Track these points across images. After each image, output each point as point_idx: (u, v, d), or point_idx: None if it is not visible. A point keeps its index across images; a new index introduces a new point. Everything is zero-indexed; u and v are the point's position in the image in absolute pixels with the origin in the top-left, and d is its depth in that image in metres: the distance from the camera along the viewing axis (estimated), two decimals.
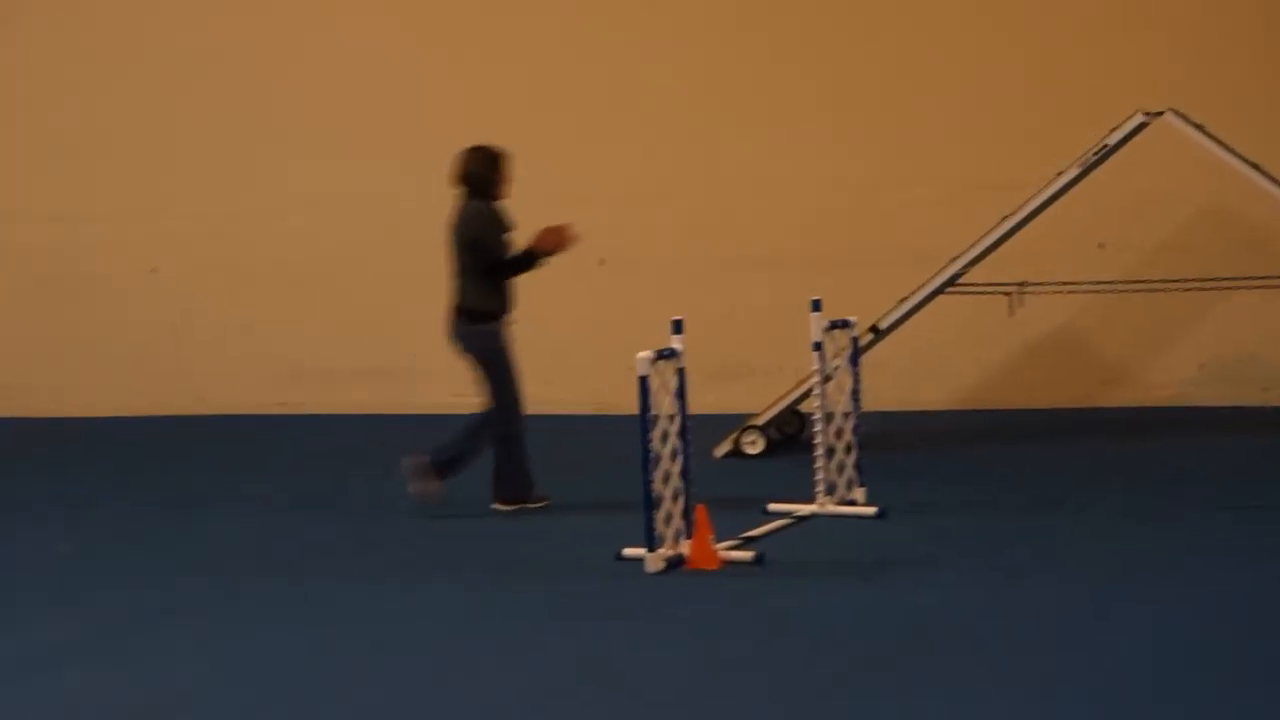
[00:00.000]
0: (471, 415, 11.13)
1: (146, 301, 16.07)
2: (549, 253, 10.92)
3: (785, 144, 14.90)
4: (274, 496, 12.12)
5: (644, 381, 9.19)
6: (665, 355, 9.37)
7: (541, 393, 15.11)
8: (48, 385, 16.13)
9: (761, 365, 14.29)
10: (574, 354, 14.95)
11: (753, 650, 7.84)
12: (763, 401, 12.97)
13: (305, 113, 15.72)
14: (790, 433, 13.01)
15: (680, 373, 9.46)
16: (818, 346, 10.62)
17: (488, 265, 10.88)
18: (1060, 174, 12.50)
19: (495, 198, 11.02)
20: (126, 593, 9.37)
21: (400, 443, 13.39)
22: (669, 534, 9.32)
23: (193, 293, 16.00)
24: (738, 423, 12.86)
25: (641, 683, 7.41)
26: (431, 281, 15.17)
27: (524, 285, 15.06)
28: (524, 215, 14.53)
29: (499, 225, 10.97)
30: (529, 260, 10.94)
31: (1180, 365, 14.43)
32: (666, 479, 9.33)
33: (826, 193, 14.79)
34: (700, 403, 13.89)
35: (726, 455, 12.76)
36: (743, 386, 14.20)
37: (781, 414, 12.87)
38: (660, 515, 9.26)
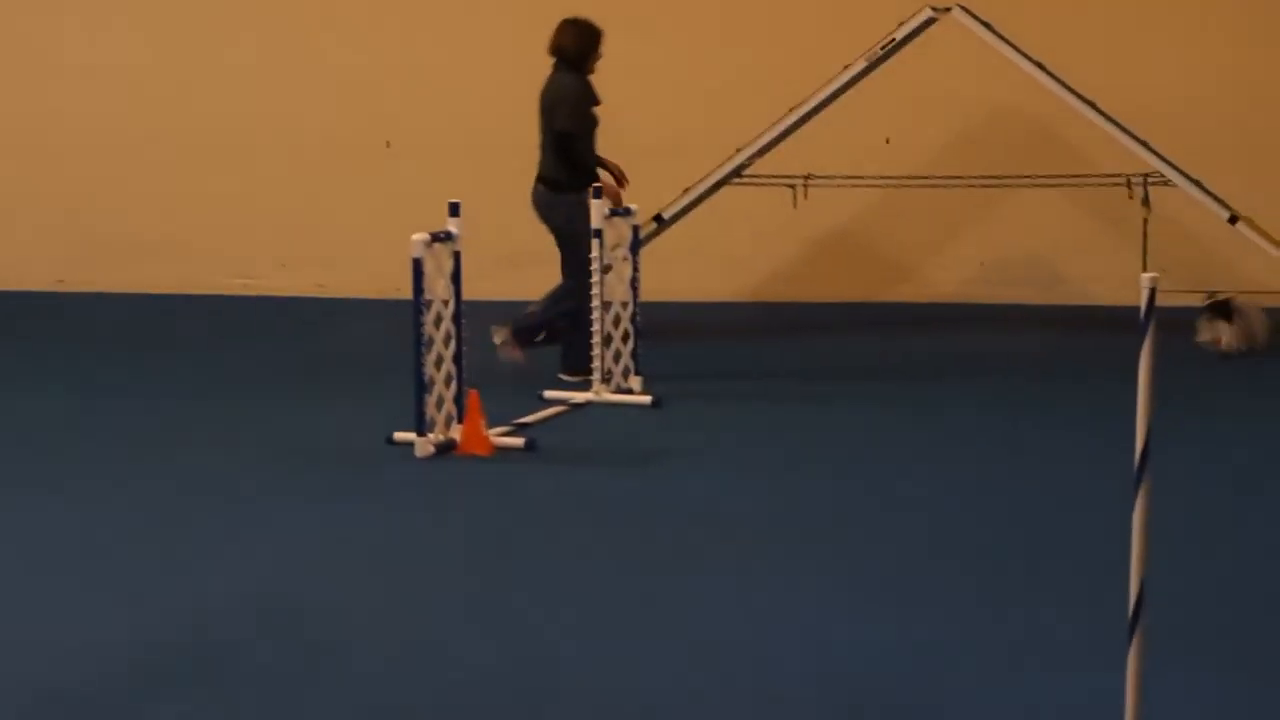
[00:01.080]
0: (556, 286, 11.17)
1: None
2: (604, 194, 10.75)
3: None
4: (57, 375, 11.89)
5: (417, 264, 9.08)
6: (440, 238, 9.25)
7: (324, 275, 15.09)
8: None
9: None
10: (360, 237, 14.76)
11: (513, 535, 7.80)
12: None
13: None
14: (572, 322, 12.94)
15: (456, 256, 9.35)
16: (597, 234, 10.55)
17: (559, 137, 10.94)
18: (847, 67, 12.50)
19: (586, 72, 11.07)
20: None
21: (187, 322, 13.25)
22: (440, 419, 9.24)
23: None
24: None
25: (395, 565, 7.34)
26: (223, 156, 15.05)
27: (311, 167, 15.01)
28: (315, 93, 14.32)
29: (583, 99, 11.04)
30: (589, 177, 10.92)
31: (962, 263, 14.55)
32: (439, 363, 9.23)
33: (619, 81, 14.66)
34: (492, 289, 13.93)
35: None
36: (534, 272, 14.06)
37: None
38: (432, 400, 9.17)
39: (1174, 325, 11.95)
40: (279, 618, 6.64)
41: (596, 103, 11.16)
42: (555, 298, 11.23)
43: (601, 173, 11.13)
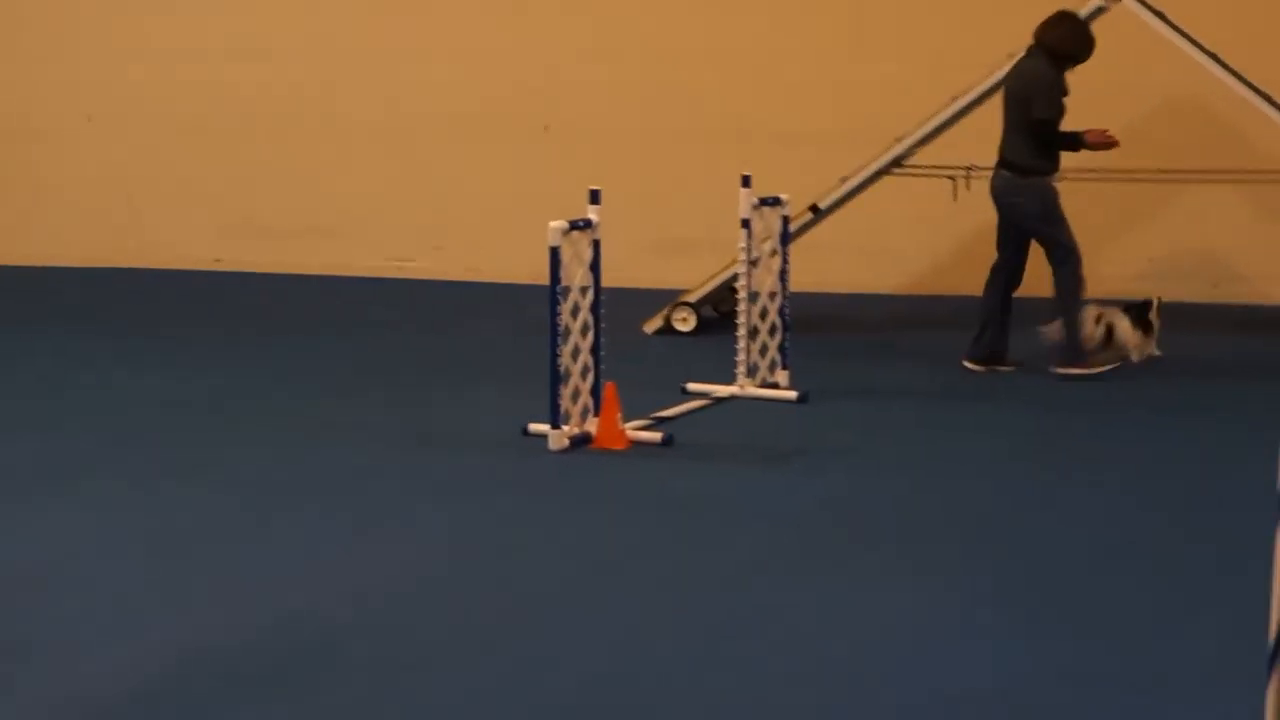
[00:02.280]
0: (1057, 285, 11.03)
1: (86, 151, 15.77)
2: (1095, 147, 10.97)
3: (736, 24, 14.54)
4: (204, 354, 11.87)
5: (554, 252, 8.87)
6: (579, 226, 9.04)
7: (477, 260, 14.98)
8: None
9: (708, 240, 13.92)
10: (513, 221, 14.60)
11: (642, 532, 7.59)
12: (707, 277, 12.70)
13: None
14: (726, 311, 12.67)
15: (595, 244, 9.13)
16: (745, 224, 10.29)
17: (1038, 125, 10.88)
18: (1011, 55, 12.10)
19: (1064, 69, 11.00)
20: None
21: (336, 304, 13.24)
22: (575, 411, 9.04)
23: (133, 143, 15.69)
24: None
25: (527, 561, 7.18)
26: (380, 140, 15.01)
27: (468, 150, 14.92)
28: (472, 78, 14.26)
29: (1057, 88, 10.99)
30: (1075, 142, 10.98)
31: (1131, 259, 14.10)
32: (576, 355, 9.03)
33: (775, 69, 14.44)
34: (642, 277, 13.76)
35: (657, 331, 12.47)
36: (689, 262, 13.86)
37: (717, 291, 12.56)
38: (567, 391, 8.98)
39: None
40: (397, 612, 6.48)
41: (1066, 93, 11.07)
42: (1066, 293, 11.03)
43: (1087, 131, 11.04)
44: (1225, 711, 5.48)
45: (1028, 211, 10.96)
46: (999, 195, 11.02)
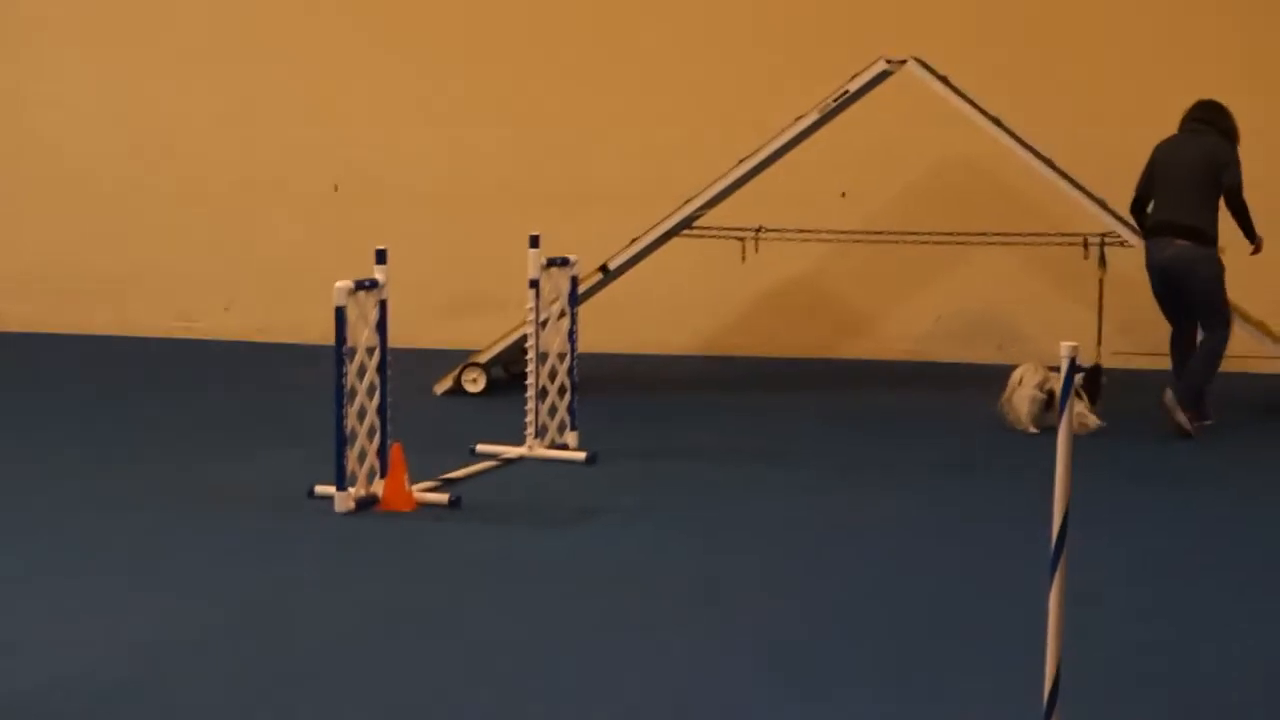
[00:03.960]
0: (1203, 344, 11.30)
1: None
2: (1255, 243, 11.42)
3: (528, 81, 14.58)
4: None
5: (340, 312, 8.78)
6: (365, 286, 8.96)
7: (266, 320, 14.82)
8: None
9: (499, 300, 13.87)
10: (303, 281, 14.45)
11: (428, 593, 7.51)
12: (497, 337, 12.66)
13: None
14: (517, 371, 12.64)
15: (382, 305, 9.05)
16: (534, 284, 10.27)
17: (1237, 192, 11.17)
18: (800, 118, 12.25)
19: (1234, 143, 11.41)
20: None
21: (120, 365, 13.02)
22: (362, 473, 8.95)
23: None
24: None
25: (305, 623, 7.06)
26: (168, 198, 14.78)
27: (257, 209, 14.77)
28: (263, 137, 14.13)
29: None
30: (1249, 222, 11.32)
31: (917, 319, 14.31)
32: (362, 415, 8.94)
33: (565, 130, 14.50)
34: (431, 337, 13.70)
35: (447, 392, 12.41)
36: (480, 322, 13.81)
37: (508, 351, 12.52)
38: (353, 453, 8.88)
39: (1126, 385, 11.79)
40: (169, 677, 6.34)
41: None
42: (1214, 357, 11.21)
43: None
44: None
45: (1205, 276, 11.21)
46: (1176, 263, 11.22)
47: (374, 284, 9.02)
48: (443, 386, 12.45)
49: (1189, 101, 11.66)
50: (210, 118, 14.95)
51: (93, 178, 15.08)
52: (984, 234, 13.18)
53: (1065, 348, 4.66)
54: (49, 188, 15.17)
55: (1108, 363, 12.12)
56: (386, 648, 6.77)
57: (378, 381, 9.03)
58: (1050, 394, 11.21)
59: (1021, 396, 11.31)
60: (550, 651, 6.74)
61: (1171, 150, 11.44)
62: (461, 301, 14.44)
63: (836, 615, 7.29)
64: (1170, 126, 11.60)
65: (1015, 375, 11.39)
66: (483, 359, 12.47)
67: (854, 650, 6.80)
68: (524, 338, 11.10)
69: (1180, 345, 11.52)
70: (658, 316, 14.26)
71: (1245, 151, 11.40)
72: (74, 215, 15.14)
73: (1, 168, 15.26)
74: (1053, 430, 10.35)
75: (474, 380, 12.42)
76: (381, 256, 9.09)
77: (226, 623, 7.08)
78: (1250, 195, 11.24)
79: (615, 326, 13.49)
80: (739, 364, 13.99)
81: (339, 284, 8.82)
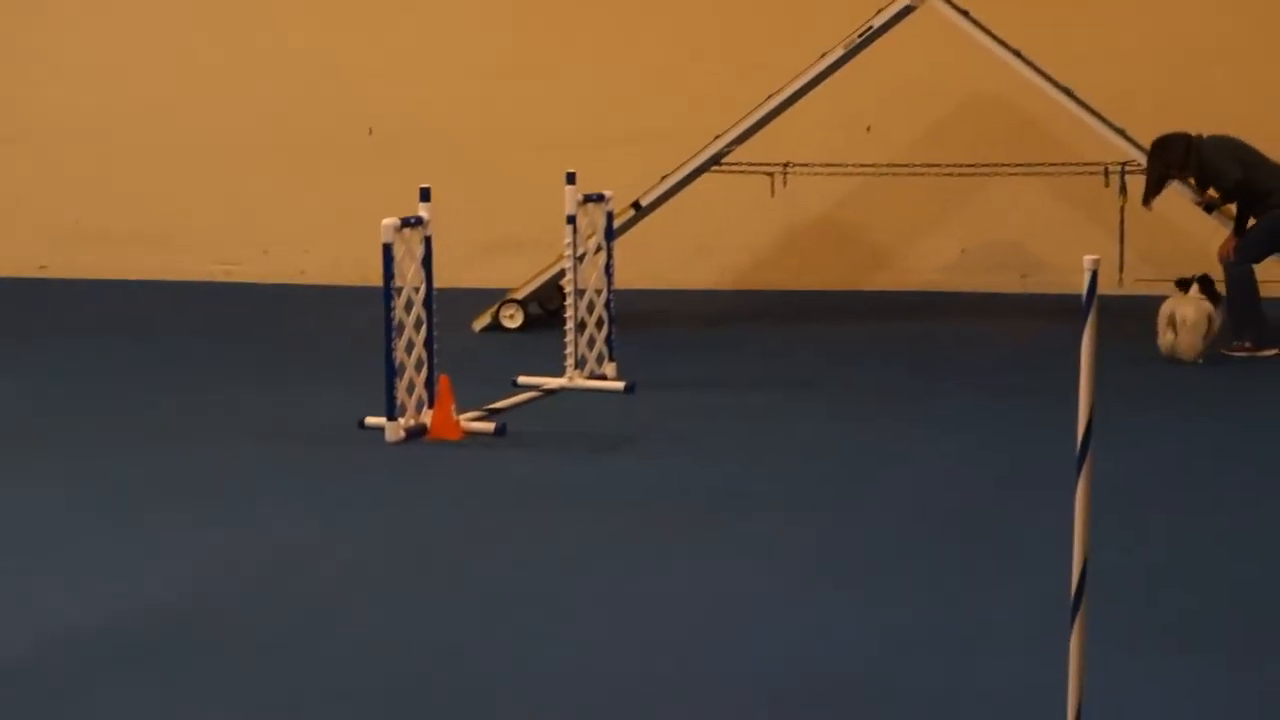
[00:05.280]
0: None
1: None
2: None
3: (556, 27, 14.84)
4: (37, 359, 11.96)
5: (387, 249, 9.09)
6: (410, 223, 9.27)
7: (306, 263, 15.13)
8: None
9: (532, 239, 14.17)
10: (341, 223, 14.77)
11: (482, 517, 7.83)
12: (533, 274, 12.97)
13: None
14: (553, 308, 12.96)
15: (427, 241, 9.36)
16: (571, 220, 10.57)
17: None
18: (824, 55, 12.51)
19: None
20: None
21: (165, 309, 13.32)
22: (411, 404, 9.27)
23: None
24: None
25: (370, 546, 7.37)
26: (205, 147, 15.06)
27: (287, 154, 15.06)
28: (297, 86, 14.41)
29: None
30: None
31: (942, 250, 14.59)
32: (410, 349, 9.26)
33: (597, 73, 14.75)
34: (473, 277, 13.99)
35: (485, 329, 12.72)
36: (515, 261, 14.11)
37: (544, 288, 12.83)
38: (402, 385, 9.20)
39: (1146, 312, 12.03)
40: (245, 596, 6.66)
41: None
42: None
43: None
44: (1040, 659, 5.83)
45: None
46: None
47: (419, 221, 9.31)
48: (480, 323, 12.75)
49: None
50: (240, 65, 15.22)
51: (127, 133, 15.37)
52: (1006, 165, 13.45)
53: (1088, 260, 4.94)
54: (85, 144, 15.46)
55: (1130, 290, 12.36)
56: (447, 567, 7.10)
57: (424, 316, 9.34)
58: (1209, 319, 11.29)
59: (1191, 331, 11.23)
60: (600, 569, 7.06)
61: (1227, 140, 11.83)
62: (494, 243, 14.72)
63: (878, 525, 7.61)
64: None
65: (1166, 312, 11.30)
66: (519, 295, 12.77)
67: (893, 556, 7.12)
68: (560, 273, 11.42)
69: None
70: (688, 251, 14.54)
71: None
72: (121, 169, 15.44)
73: (48, 128, 15.55)
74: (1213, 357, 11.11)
75: (511, 316, 12.73)
76: (426, 194, 9.37)
77: (295, 545, 7.40)
78: None
79: (647, 261, 13.78)
80: (768, 297, 14.28)
81: (385, 221, 9.11)
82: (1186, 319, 11.18)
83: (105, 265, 15.42)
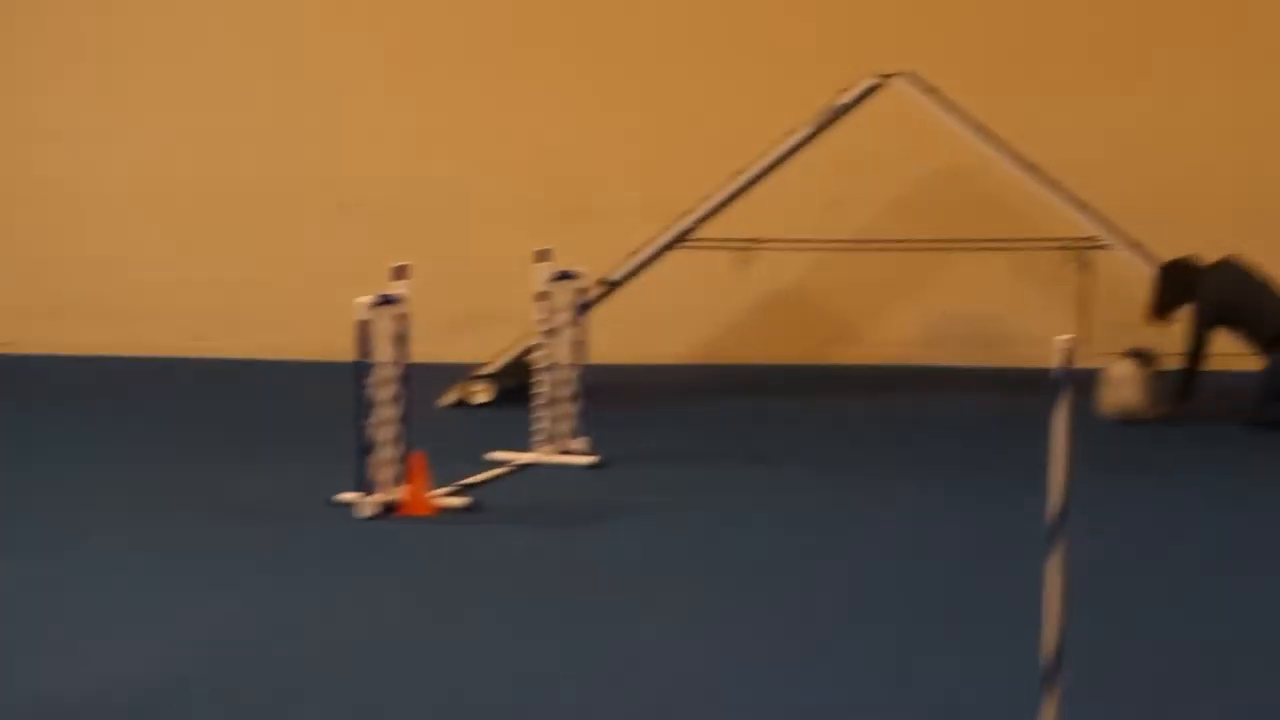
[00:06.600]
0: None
1: None
2: None
3: (529, 99, 14.94)
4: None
5: (362, 326, 9.15)
6: (385, 301, 9.33)
7: (275, 338, 15.16)
8: None
9: (503, 315, 14.21)
10: (311, 299, 14.82)
11: (457, 593, 7.86)
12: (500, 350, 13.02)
13: None
14: (517, 385, 12.96)
15: (401, 319, 9.42)
16: (542, 297, 10.65)
17: None
18: (792, 132, 12.65)
19: None
20: None
21: (133, 384, 13.27)
22: (384, 480, 9.30)
23: None
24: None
25: (344, 619, 7.38)
26: (177, 218, 15.10)
27: (260, 228, 15.13)
28: (266, 158, 14.46)
29: None
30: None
31: (907, 324, 14.71)
32: (383, 425, 9.29)
33: (564, 147, 14.86)
34: (439, 352, 14.02)
35: (453, 405, 12.76)
36: (484, 336, 14.15)
37: (512, 364, 12.88)
38: (376, 461, 9.24)
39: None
40: (204, 680, 6.66)
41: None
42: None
43: None
44: None
45: None
46: None
47: (393, 299, 9.37)
48: (448, 399, 12.80)
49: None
50: (212, 135, 15.29)
51: (97, 204, 15.42)
52: (970, 240, 13.57)
53: (1060, 341, 5.02)
54: (57, 216, 15.49)
55: (1098, 363, 12.47)
56: (426, 636, 7.12)
57: (399, 392, 9.38)
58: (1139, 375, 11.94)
59: (1125, 387, 11.94)
60: (579, 637, 7.10)
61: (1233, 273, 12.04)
62: (459, 318, 14.75)
63: (845, 598, 7.65)
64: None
65: (1111, 371, 12.02)
66: (487, 371, 12.82)
67: (859, 628, 7.16)
68: (528, 350, 11.49)
69: None
70: (658, 327, 14.62)
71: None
72: (84, 240, 15.47)
73: (10, 200, 15.58)
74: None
75: (479, 392, 12.77)
76: (401, 273, 9.44)
77: (266, 622, 7.40)
78: None
79: (617, 337, 13.83)
80: (737, 371, 14.37)
81: (360, 299, 9.17)
82: (1112, 375, 11.95)
83: (72, 340, 15.40)
